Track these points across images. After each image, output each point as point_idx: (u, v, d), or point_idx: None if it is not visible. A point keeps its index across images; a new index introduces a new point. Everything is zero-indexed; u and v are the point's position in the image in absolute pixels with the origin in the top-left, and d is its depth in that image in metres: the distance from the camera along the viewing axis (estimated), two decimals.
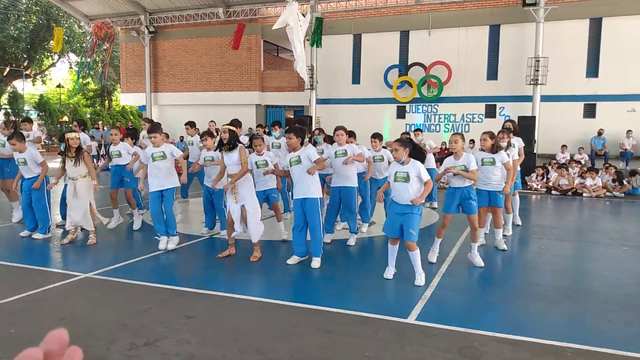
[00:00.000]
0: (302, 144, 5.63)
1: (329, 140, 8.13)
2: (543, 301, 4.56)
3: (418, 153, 5.07)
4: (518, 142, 7.67)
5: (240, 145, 5.86)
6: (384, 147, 7.87)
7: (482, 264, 5.61)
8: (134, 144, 8.01)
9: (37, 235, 6.92)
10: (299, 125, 8.22)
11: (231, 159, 5.80)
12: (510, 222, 7.42)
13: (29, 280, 5.04)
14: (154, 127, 6.31)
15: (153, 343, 3.59)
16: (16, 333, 3.76)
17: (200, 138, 7.18)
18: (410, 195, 4.90)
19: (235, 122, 6.05)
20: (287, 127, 5.92)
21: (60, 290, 4.79)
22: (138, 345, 3.55)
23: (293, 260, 5.68)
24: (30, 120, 8.67)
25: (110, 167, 7.65)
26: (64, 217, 7.82)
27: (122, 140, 7.77)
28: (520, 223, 8.23)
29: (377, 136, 7.47)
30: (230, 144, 5.80)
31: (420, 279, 4.99)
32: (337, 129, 6.65)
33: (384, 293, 4.83)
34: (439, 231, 5.82)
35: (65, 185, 7.62)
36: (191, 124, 9.53)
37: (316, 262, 5.53)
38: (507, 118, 17.21)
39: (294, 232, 5.70)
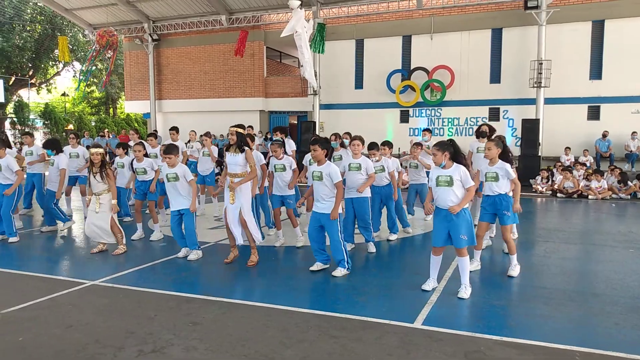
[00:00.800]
0: (326, 155, 5.54)
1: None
2: (550, 304, 4.55)
3: (459, 156, 4.79)
4: None
5: (247, 149, 5.88)
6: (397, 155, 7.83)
7: (515, 274, 5.49)
8: (126, 153, 8.11)
9: (11, 240, 7.13)
10: (280, 133, 8.29)
11: (234, 160, 5.85)
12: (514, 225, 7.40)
13: (36, 288, 5.07)
14: (170, 148, 6.22)
15: (160, 350, 3.61)
16: (24, 341, 3.78)
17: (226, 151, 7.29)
18: (455, 199, 4.68)
19: (242, 126, 6.10)
20: (313, 139, 5.85)
21: (68, 297, 4.81)
22: (145, 352, 3.56)
23: (317, 267, 5.66)
24: (31, 134, 8.79)
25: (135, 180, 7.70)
26: (27, 206, 8.35)
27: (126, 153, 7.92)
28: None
29: (386, 144, 7.41)
30: (238, 145, 5.83)
31: (464, 291, 4.73)
32: (353, 138, 6.50)
33: (390, 298, 4.83)
34: (477, 242, 5.53)
35: (48, 192, 7.85)
36: (176, 130, 9.77)
37: (338, 272, 5.45)
38: (509, 120, 17.23)
39: (312, 244, 5.67)
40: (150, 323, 4.12)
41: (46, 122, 30.75)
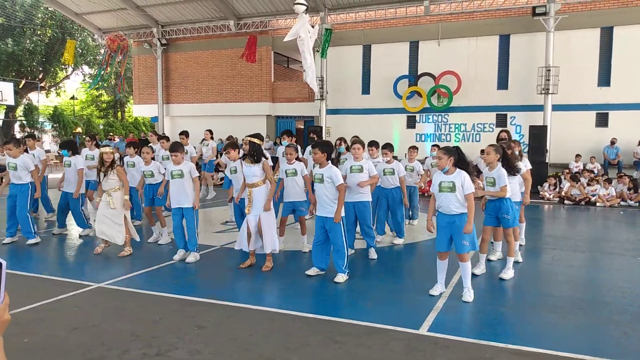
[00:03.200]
0: (328, 158, 5.57)
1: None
2: (557, 312, 4.51)
3: (464, 162, 4.81)
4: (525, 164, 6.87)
5: (264, 159, 5.86)
6: (395, 157, 7.90)
7: (509, 277, 5.57)
8: (137, 153, 8.10)
9: (30, 242, 7.07)
10: (315, 136, 8.25)
11: (251, 171, 5.83)
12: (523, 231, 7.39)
13: (42, 290, 5.09)
14: (175, 146, 6.33)
15: (165, 353, 3.60)
16: (30, 342, 3.80)
17: (224, 150, 7.36)
18: (457, 205, 4.71)
19: (258, 135, 6.11)
20: (313, 142, 5.89)
21: (73, 299, 4.83)
22: (150, 355, 3.56)
23: (313, 271, 5.65)
24: (34, 137, 8.78)
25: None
26: (61, 224, 8.01)
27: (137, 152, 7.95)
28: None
29: (387, 146, 7.42)
30: (252, 156, 5.82)
31: (468, 294, 4.78)
32: (354, 142, 6.51)
33: (396, 304, 4.80)
34: (481, 246, 5.67)
35: (64, 194, 7.80)
36: (186, 134, 9.86)
37: (340, 277, 5.41)
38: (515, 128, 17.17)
39: (314, 247, 5.68)
40: (155, 326, 4.12)
41: (55, 125, 31.01)
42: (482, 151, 14.37)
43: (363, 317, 4.30)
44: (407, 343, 3.79)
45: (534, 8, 15.77)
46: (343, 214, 5.53)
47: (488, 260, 6.30)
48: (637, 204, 12.15)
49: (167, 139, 8.99)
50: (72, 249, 7.25)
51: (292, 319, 4.31)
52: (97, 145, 9.02)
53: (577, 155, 15.31)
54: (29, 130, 30.13)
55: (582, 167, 14.85)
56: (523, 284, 5.55)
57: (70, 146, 7.74)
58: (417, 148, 8.88)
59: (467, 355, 3.59)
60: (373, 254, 6.52)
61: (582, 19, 15.93)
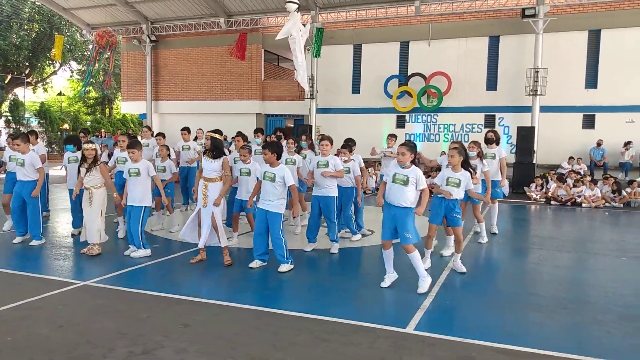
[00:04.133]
0: (278, 158, 5.78)
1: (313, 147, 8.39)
2: (542, 312, 4.56)
3: (417, 159, 5.12)
4: (499, 153, 7.77)
5: (224, 157, 5.99)
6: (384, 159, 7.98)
7: (465, 270, 5.75)
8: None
9: (34, 243, 6.95)
10: (282, 134, 8.43)
11: (211, 166, 5.93)
12: (484, 230, 7.53)
13: (27, 288, 5.03)
14: (133, 144, 6.43)
15: (151, 351, 3.58)
16: (13, 340, 3.75)
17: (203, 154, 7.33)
18: (405, 198, 4.94)
19: (219, 131, 6.16)
20: (264, 144, 6.18)
21: (58, 297, 4.78)
22: (136, 354, 3.54)
23: (255, 264, 5.85)
24: (35, 133, 8.61)
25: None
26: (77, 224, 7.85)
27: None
28: (496, 232, 8.21)
29: (346, 146, 7.36)
30: (213, 151, 5.93)
31: (423, 284, 4.99)
32: (322, 139, 6.70)
33: (383, 302, 4.82)
34: (426, 242, 5.91)
35: (70, 194, 7.67)
36: (187, 130, 9.79)
37: (283, 267, 5.69)
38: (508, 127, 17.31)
39: (255, 238, 5.88)
40: (141, 324, 4.09)
41: (41, 122, 30.60)
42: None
43: (350, 316, 4.31)
44: (394, 341, 3.81)
45: (523, 10, 15.91)
46: (282, 211, 5.75)
47: (441, 256, 6.51)
48: (622, 205, 12.32)
49: (163, 136, 8.92)
50: (58, 246, 7.17)
51: (278, 317, 4.30)
52: (90, 141, 8.89)
53: (570, 158, 15.48)
54: (14, 127, 29.74)
55: (570, 168, 15.03)
56: (509, 284, 5.61)
57: (75, 141, 7.60)
58: (396, 136, 8.84)
59: (454, 354, 3.61)
60: (334, 249, 6.67)
61: (571, 21, 16.11)
